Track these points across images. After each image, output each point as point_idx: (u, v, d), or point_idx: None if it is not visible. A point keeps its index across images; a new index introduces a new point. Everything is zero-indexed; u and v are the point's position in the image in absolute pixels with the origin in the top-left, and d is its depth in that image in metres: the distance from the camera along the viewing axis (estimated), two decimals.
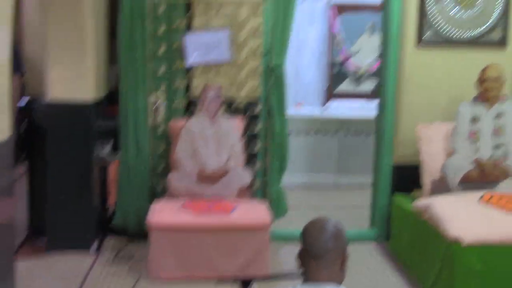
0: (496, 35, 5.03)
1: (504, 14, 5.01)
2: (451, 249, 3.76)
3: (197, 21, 5.04)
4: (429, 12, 4.97)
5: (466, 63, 5.02)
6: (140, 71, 5.05)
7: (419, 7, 4.99)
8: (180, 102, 5.11)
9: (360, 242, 5.11)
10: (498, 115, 4.56)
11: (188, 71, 5.10)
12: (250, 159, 5.09)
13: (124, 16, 5.02)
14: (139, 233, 4.94)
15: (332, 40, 7.81)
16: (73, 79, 4.76)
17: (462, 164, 4.48)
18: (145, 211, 4.57)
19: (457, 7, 4.99)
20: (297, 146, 6.88)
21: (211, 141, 4.80)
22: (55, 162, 4.77)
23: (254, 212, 4.50)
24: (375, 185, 5.36)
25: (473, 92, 4.74)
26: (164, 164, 5.13)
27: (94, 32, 4.79)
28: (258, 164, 5.16)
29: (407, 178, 5.02)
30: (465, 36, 5.03)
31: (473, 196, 4.21)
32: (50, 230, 4.82)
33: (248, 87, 5.11)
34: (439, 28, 5.00)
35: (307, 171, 7.26)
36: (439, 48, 5.04)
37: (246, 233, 4.35)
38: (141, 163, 5.09)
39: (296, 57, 7.44)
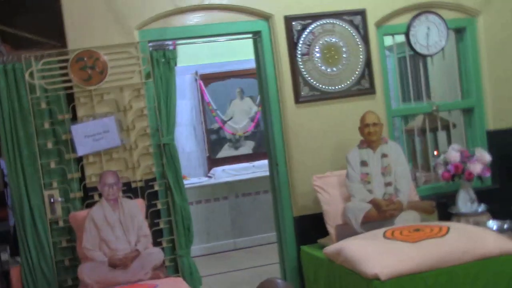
0: (364, 84, 5.47)
1: (367, 65, 5.47)
2: (372, 286, 3.96)
3: (81, 111, 5.01)
4: (302, 71, 5.31)
5: (342, 113, 5.40)
6: (29, 168, 4.92)
7: (291, 67, 5.31)
8: (76, 193, 5.00)
9: None
10: (383, 156, 4.92)
11: (80, 161, 5.02)
12: (156, 236, 5.07)
13: (4, 116, 4.89)
14: None
15: (205, 109, 8.03)
16: None
17: (361, 206, 4.76)
18: None
19: (325, 65, 5.38)
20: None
21: (117, 226, 4.73)
22: None
23: None
24: (280, 240, 5.51)
25: (353, 138, 5.10)
26: (70, 257, 4.97)
27: None
28: (165, 240, 5.14)
29: (309, 228, 5.24)
30: (337, 89, 5.41)
31: (377, 234, 4.47)
32: None
33: (143, 167, 5.12)
34: (313, 84, 5.34)
35: (205, 240, 7.31)
36: (316, 103, 5.37)
37: None
38: (45, 261, 4.91)
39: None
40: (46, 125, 4.96)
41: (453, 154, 5.27)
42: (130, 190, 5.05)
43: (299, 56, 5.33)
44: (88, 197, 5.01)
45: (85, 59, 4.95)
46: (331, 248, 4.55)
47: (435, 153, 5.97)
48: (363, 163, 4.91)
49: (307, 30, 5.34)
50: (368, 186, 4.88)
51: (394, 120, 5.91)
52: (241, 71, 7.98)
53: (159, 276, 4.68)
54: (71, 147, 4.96)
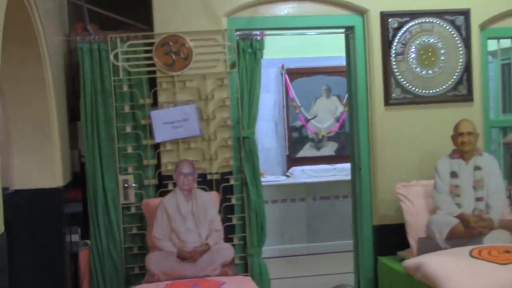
0: (461, 90, 5.33)
1: (466, 69, 5.33)
2: None
3: (162, 97, 5.14)
4: (395, 72, 5.24)
5: (435, 119, 5.29)
6: (106, 151, 5.09)
7: (384, 67, 5.25)
8: (150, 180, 5.13)
9: None
10: (476, 168, 4.79)
11: (157, 147, 5.15)
12: (228, 232, 5.13)
13: (86, 96, 5.08)
14: None
15: (288, 105, 8.04)
16: (38, 166, 4.72)
17: (447, 220, 4.65)
18: None
19: (420, 67, 5.28)
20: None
21: (189, 218, 4.82)
22: (22, 254, 4.66)
23: None
24: (356, 249, 5.47)
25: (444, 147, 4.98)
26: (139, 244, 5.11)
27: (56, 117, 4.77)
28: (236, 237, 5.19)
29: (388, 238, 5.17)
30: (431, 93, 5.31)
31: (462, 251, 4.36)
32: None
33: (220, 160, 5.20)
34: (406, 86, 5.26)
35: (278, 241, 7.33)
36: (407, 106, 5.29)
37: None
38: (114, 246, 5.08)
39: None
40: (126, 109, 5.12)
41: None
42: (205, 182, 5.14)
43: (393, 55, 5.26)
44: (162, 185, 5.14)
45: (171, 43, 5.07)
46: (411, 262, 4.48)
47: None
48: (453, 174, 4.80)
49: (404, 28, 5.26)
50: (457, 199, 4.76)
51: (491, 131, 5.74)
52: (329, 68, 7.94)
53: (228, 273, 4.74)
54: (149, 132, 5.10)
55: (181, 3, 5.11)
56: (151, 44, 5.10)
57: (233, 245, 5.06)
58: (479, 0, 5.36)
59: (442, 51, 5.31)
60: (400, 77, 5.27)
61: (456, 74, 5.33)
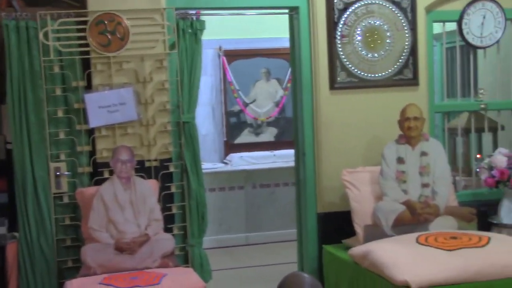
0: (407, 74, 5.51)
1: (412, 53, 5.51)
2: None
3: (97, 79, 5.11)
4: (340, 54, 5.37)
5: (381, 104, 5.46)
6: (36, 137, 5.03)
7: (329, 49, 5.37)
8: (85, 168, 5.10)
9: None
10: (423, 154, 4.98)
11: (92, 133, 5.12)
12: (168, 222, 5.16)
13: (13, 78, 4.99)
14: None
15: (226, 89, 8.09)
16: None
17: (393, 207, 4.83)
18: None
19: (365, 49, 5.43)
20: None
21: (128, 207, 4.82)
22: None
23: (185, 279, 4.53)
24: (300, 237, 5.60)
25: (391, 132, 5.15)
26: (72, 236, 5.08)
27: None
28: (176, 227, 5.23)
29: (333, 226, 5.31)
30: (377, 77, 5.47)
31: (409, 238, 4.54)
32: None
33: (159, 146, 5.21)
34: (351, 69, 5.40)
35: (216, 231, 7.40)
36: (353, 90, 5.43)
37: None
38: (45, 238, 5.03)
39: None
40: (58, 91, 5.06)
41: (500, 158, 5.31)
42: (143, 170, 5.14)
43: (338, 37, 5.38)
44: (98, 173, 5.12)
45: (106, 22, 5.04)
46: (357, 250, 4.62)
47: (478, 156, 6.01)
48: (400, 160, 4.97)
49: (350, 10, 5.39)
50: (403, 185, 4.94)
51: (435, 116, 5.94)
52: (269, 50, 8.04)
53: (168, 265, 4.78)
54: (83, 117, 5.06)
55: None
56: (85, 22, 5.05)
57: (173, 235, 5.10)
58: None
59: (388, 34, 5.47)
60: (345, 60, 5.40)
61: (402, 57, 5.50)
